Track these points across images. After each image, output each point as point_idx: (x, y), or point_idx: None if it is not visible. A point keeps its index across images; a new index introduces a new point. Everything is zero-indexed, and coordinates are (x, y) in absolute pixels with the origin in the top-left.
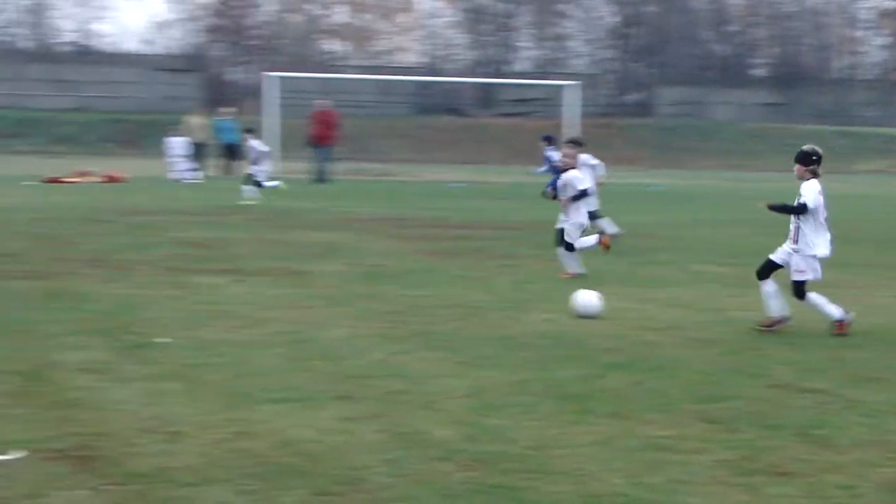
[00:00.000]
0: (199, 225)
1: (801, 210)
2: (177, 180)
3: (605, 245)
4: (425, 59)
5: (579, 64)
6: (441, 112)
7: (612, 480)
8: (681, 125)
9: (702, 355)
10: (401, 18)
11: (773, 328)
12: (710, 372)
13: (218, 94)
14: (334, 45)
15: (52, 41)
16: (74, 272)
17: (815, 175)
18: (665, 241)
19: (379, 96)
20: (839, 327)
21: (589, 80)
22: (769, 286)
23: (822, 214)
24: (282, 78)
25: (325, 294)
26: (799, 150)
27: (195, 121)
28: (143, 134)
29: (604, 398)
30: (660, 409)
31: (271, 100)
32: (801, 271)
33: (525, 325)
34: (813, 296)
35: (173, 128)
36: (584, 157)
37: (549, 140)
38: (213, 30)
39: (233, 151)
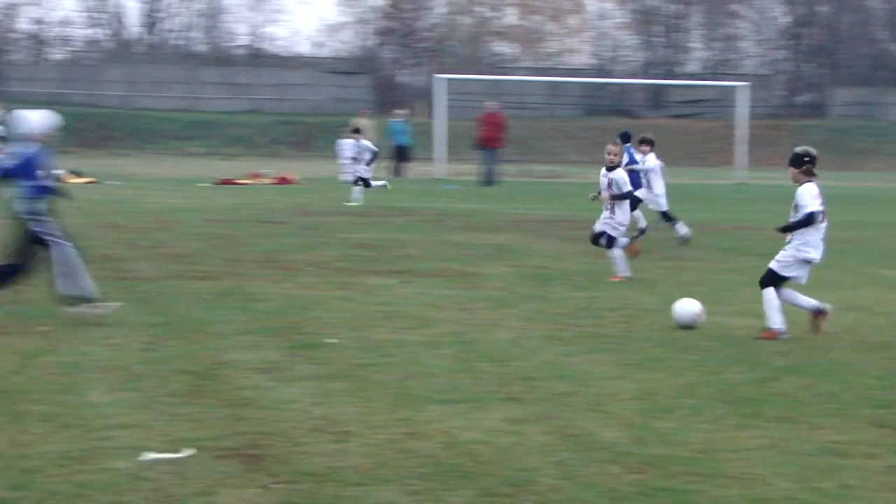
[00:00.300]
0: (367, 226)
1: (810, 220)
2: (347, 182)
3: (633, 252)
4: (594, 61)
5: (750, 64)
6: (610, 113)
7: (782, 485)
8: (854, 126)
9: (875, 359)
10: (570, 20)
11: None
12: (884, 376)
13: (388, 97)
14: (503, 47)
15: (226, 45)
16: (246, 273)
17: (809, 177)
18: (836, 244)
19: (548, 98)
20: (767, 334)
21: (760, 81)
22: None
23: (820, 217)
24: (450, 80)
25: (492, 295)
26: (792, 152)
27: (363, 123)
28: (314, 136)
29: (774, 402)
30: (831, 413)
31: (440, 102)
32: (781, 262)
33: (692, 328)
34: (770, 293)
35: (344, 130)
36: (656, 162)
37: (626, 137)
38: (383, 32)
39: (403, 153)
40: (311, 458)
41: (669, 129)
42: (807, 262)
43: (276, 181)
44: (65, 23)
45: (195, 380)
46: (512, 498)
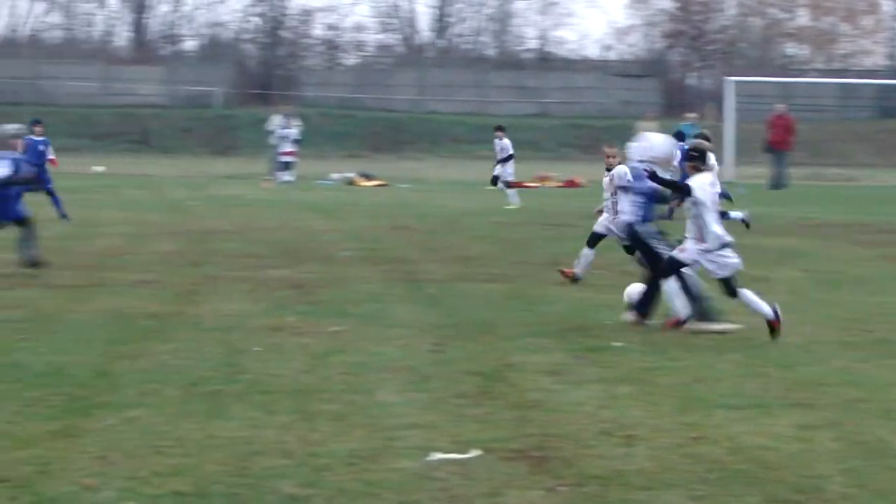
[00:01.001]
0: None
1: (686, 190)
2: None
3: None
4: (889, 62)
5: None
6: None
7: None
8: None
9: None
10: (864, 21)
11: (679, 327)
12: None
13: (676, 100)
14: (794, 49)
15: (515, 49)
16: (532, 275)
17: (698, 170)
18: None
19: (839, 100)
20: (772, 325)
21: None
22: (672, 284)
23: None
24: (739, 82)
25: (781, 300)
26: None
27: (647, 126)
28: (602, 139)
29: None
30: None
31: (729, 104)
32: (715, 271)
33: None
34: (745, 293)
35: (631, 133)
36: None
37: (680, 136)
38: (671, 35)
39: None
40: (598, 462)
41: None
42: (726, 247)
43: (563, 184)
44: (358, 28)
45: (483, 381)
46: None
